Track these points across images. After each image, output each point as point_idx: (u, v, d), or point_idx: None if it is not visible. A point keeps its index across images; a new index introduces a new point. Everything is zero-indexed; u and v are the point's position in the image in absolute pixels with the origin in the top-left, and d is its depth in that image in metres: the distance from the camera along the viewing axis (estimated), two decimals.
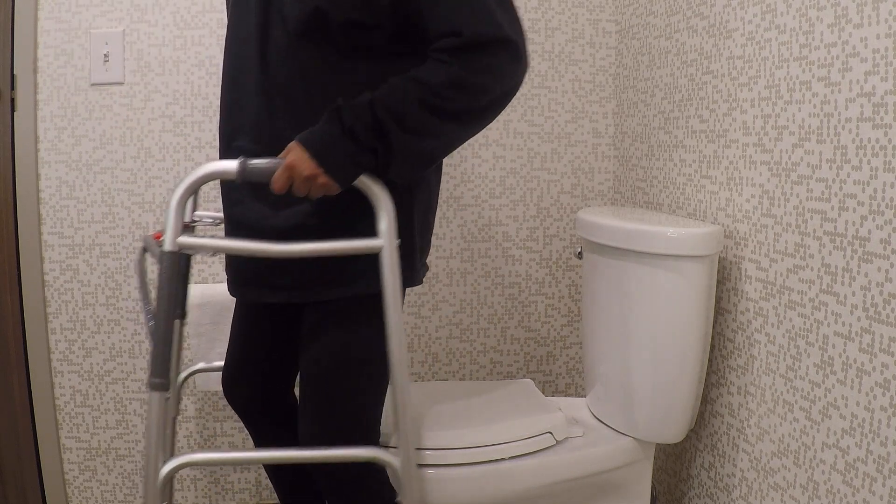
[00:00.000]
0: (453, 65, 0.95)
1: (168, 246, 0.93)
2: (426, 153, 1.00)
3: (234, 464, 0.96)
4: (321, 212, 1.04)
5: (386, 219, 0.99)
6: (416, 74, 0.97)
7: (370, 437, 1.11)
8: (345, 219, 1.04)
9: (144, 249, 1.14)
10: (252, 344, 1.21)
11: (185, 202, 0.94)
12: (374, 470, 1.12)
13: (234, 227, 1.09)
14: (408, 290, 1.75)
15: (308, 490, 1.30)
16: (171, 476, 0.95)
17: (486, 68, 0.96)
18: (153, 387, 0.94)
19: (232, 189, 1.09)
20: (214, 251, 0.96)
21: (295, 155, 0.95)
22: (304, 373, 1.10)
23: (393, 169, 0.98)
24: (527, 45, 1.01)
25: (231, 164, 0.95)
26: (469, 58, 0.95)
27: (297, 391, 1.31)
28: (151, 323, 0.99)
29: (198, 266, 1.69)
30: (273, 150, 1.03)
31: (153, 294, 1.69)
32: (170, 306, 0.93)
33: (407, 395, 1.02)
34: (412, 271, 1.11)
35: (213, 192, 1.68)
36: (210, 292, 1.60)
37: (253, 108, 1.05)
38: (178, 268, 0.94)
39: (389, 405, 1.26)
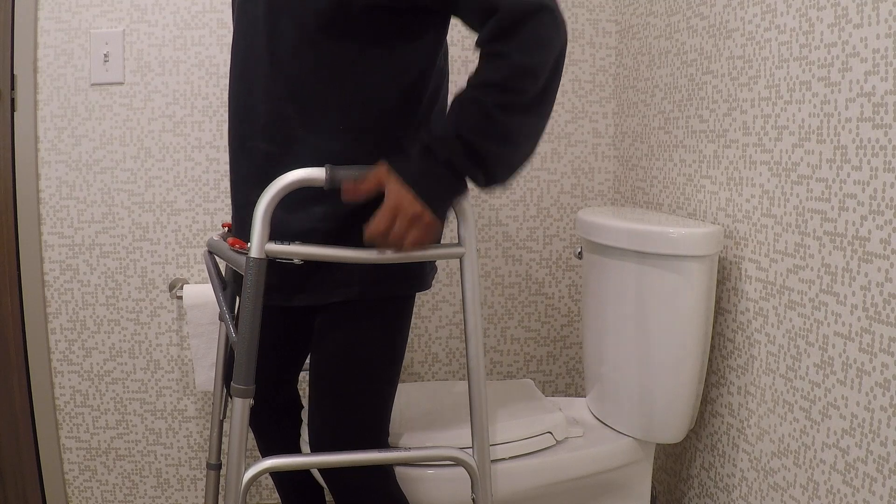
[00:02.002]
0: (508, 53, 0.92)
1: (255, 253, 0.94)
2: (526, 152, 0.99)
3: (313, 466, 0.99)
4: (335, 215, 1.03)
5: (466, 227, 1.02)
6: (478, 80, 0.93)
7: (378, 437, 1.11)
8: (357, 222, 1.04)
9: (210, 253, 1.14)
10: (262, 346, 1.21)
11: (272, 210, 0.95)
12: (385, 475, 1.12)
13: (246, 229, 1.08)
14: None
15: (311, 490, 1.30)
16: (252, 482, 0.96)
17: (537, 42, 0.92)
18: (238, 393, 0.95)
19: (244, 192, 1.08)
20: (301, 257, 0.96)
21: (398, 195, 0.92)
22: (312, 373, 1.11)
23: (499, 181, 0.98)
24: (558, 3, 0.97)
25: (319, 172, 0.95)
26: (517, 38, 0.92)
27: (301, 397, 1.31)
28: (234, 329, 0.99)
29: (198, 266, 1.69)
30: (288, 151, 1.02)
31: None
32: (255, 312, 0.94)
33: (483, 397, 1.05)
34: (422, 276, 1.11)
35: (212, 192, 1.69)
36: (209, 292, 1.60)
37: (265, 109, 1.03)
38: (264, 274, 0.95)
39: (397, 408, 1.27)
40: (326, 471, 1.10)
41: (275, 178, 0.97)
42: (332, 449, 1.07)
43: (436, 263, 1.20)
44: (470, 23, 0.98)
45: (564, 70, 1.78)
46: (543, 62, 0.93)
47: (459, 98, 0.94)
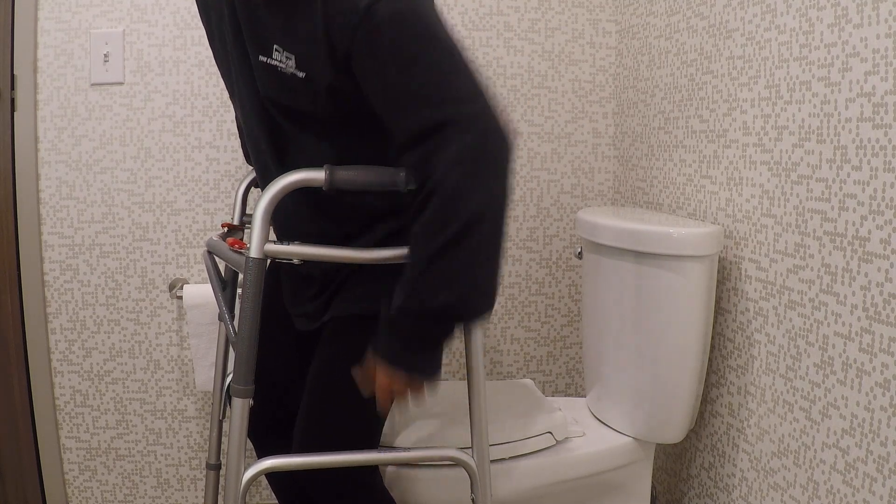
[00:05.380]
0: (421, 193, 0.89)
1: (255, 253, 0.94)
2: (489, 272, 0.92)
3: (311, 466, 1.00)
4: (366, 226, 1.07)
5: None
6: (412, 230, 0.92)
7: (366, 447, 1.11)
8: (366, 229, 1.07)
9: (210, 253, 1.15)
10: (266, 358, 1.21)
11: (272, 210, 0.95)
12: (369, 480, 1.12)
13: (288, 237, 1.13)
14: None
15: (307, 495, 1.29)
16: (251, 482, 0.96)
17: (444, 166, 0.87)
18: (237, 394, 0.95)
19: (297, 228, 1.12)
20: (300, 257, 0.97)
21: (386, 375, 0.94)
22: (309, 376, 1.11)
23: (479, 312, 0.94)
24: (482, 103, 0.89)
25: (318, 173, 0.96)
26: (423, 169, 0.89)
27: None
28: (233, 330, 1.00)
29: (198, 266, 1.69)
30: (301, 221, 1.08)
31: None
32: (255, 312, 0.94)
33: (482, 397, 1.06)
34: None
35: (212, 192, 1.68)
36: (209, 292, 1.60)
37: (273, 177, 1.08)
38: (263, 273, 0.95)
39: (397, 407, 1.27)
40: (309, 476, 1.09)
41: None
42: (312, 451, 1.07)
43: None
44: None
45: (564, 70, 1.78)
46: (455, 185, 0.87)
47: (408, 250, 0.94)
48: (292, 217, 1.12)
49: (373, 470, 1.14)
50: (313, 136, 1.03)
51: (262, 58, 0.99)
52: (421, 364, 0.95)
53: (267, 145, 1.08)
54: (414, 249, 0.92)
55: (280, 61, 0.97)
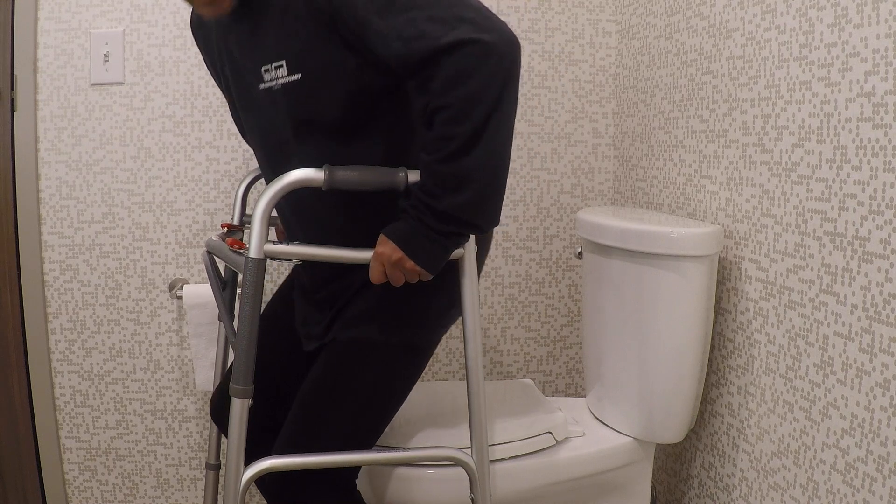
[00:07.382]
0: (431, 102, 0.93)
1: (255, 253, 0.94)
2: (489, 189, 0.97)
3: (311, 466, 1.00)
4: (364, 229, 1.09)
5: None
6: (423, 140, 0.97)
7: (343, 474, 1.09)
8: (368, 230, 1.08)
9: (209, 254, 1.15)
10: (262, 369, 1.20)
11: (271, 210, 0.96)
12: (348, 486, 1.11)
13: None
14: None
15: None
16: (251, 482, 0.96)
17: (456, 78, 0.91)
18: (237, 394, 0.95)
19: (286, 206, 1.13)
20: (299, 257, 0.98)
21: (382, 245, 0.99)
22: (301, 390, 1.11)
23: (481, 223, 0.99)
24: (487, 31, 0.92)
25: (318, 173, 0.97)
26: (435, 82, 0.92)
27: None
28: (233, 330, 1.00)
29: (198, 266, 1.69)
30: (301, 221, 1.10)
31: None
32: (254, 312, 0.94)
33: (481, 398, 1.06)
34: (447, 320, 1.14)
35: (212, 192, 1.68)
36: (209, 292, 1.60)
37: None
38: (263, 274, 0.96)
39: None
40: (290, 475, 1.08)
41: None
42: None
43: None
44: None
45: (564, 70, 1.78)
46: (468, 97, 0.91)
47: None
48: (293, 218, 1.12)
49: (353, 477, 1.12)
50: (319, 146, 1.04)
51: (262, 86, 1.02)
52: (422, 255, 0.98)
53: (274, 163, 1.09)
54: (424, 156, 0.96)
55: (270, 80, 1.00)
